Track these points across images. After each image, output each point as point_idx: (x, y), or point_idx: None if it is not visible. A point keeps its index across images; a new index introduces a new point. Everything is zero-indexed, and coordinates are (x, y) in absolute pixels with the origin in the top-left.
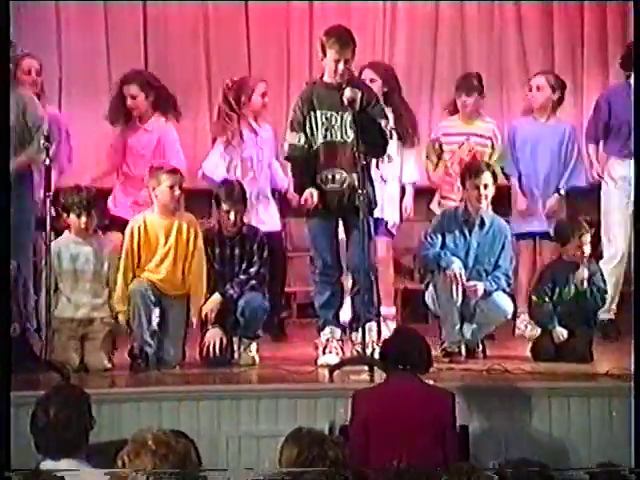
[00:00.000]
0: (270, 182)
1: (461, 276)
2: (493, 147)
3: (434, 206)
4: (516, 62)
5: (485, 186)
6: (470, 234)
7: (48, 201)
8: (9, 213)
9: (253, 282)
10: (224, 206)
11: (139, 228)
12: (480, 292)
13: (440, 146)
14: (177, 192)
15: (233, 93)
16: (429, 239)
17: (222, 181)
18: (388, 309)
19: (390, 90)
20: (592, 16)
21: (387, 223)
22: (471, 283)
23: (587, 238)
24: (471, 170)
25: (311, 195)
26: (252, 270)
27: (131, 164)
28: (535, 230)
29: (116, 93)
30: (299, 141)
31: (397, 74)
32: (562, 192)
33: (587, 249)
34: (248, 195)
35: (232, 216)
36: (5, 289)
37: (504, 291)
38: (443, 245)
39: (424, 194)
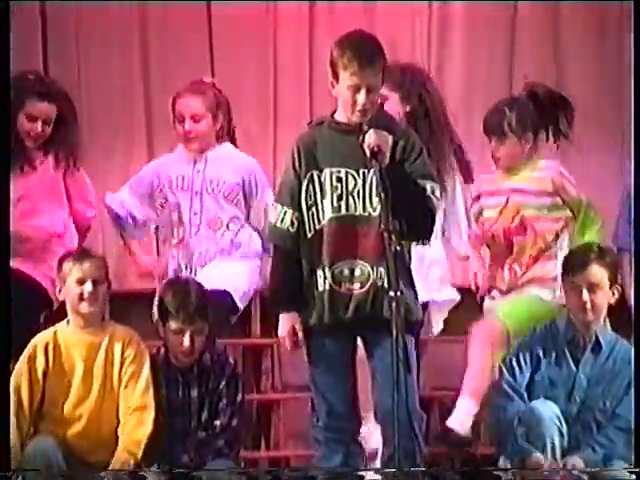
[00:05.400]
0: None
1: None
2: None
3: None
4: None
5: (590, 286)
6: (578, 364)
7: None
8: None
9: (220, 443)
10: (173, 323)
11: (46, 349)
12: (581, 465)
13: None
14: (88, 289)
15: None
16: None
17: (169, 280)
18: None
19: (414, 109)
20: None
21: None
22: (570, 460)
23: None
24: (572, 260)
25: (292, 334)
26: (218, 423)
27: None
28: None
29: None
30: (282, 222)
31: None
32: None
33: None
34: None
35: (187, 339)
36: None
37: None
38: (530, 383)
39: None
